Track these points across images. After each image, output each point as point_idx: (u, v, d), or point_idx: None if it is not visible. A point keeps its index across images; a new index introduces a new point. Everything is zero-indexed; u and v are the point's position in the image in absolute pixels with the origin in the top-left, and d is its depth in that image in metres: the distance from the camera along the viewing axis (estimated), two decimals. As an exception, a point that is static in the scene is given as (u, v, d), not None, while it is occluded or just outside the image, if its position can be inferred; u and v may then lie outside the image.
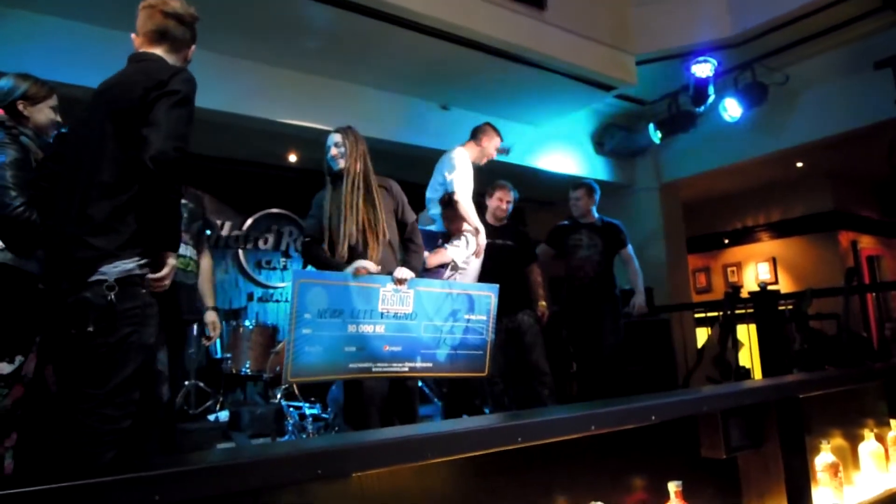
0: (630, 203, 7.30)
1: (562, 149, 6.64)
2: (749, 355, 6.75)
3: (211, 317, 2.99)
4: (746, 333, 6.72)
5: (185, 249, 2.81)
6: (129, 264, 1.86)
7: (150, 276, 1.92)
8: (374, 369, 2.89)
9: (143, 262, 1.90)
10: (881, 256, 9.08)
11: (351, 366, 2.83)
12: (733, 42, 5.45)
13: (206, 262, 3.07)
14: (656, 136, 6.44)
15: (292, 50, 4.60)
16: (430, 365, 3.05)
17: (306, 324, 2.69)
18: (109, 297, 1.81)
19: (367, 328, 2.87)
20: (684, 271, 7.55)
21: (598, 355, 4.63)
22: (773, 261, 9.03)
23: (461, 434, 1.27)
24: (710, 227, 9.55)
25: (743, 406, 1.87)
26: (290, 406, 4.24)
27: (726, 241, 9.59)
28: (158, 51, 2.11)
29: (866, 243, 8.90)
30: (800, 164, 7.57)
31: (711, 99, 5.80)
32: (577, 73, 5.18)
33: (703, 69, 5.54)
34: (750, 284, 9.13)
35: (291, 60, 4.74)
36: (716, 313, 7.33)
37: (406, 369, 2.96)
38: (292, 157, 6.29)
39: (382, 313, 2.91)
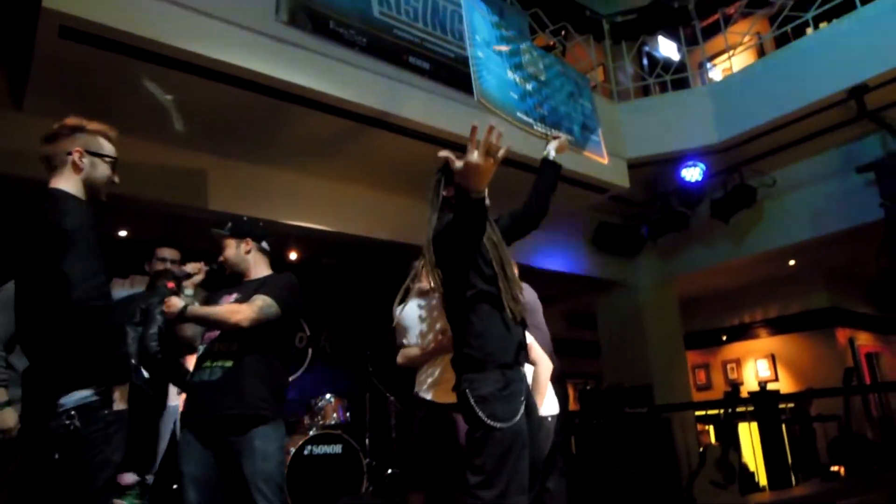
0: (627, 300, 7.36)
1: (559, 247, 6.77)
2: (752, 456, 6.63)
3: None
4: (748, 432, 6.63)
5: (213, 346, 2.68)
6: (84, 392, 1.94)
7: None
8: (536, 126, 2.75)
9: (99, 390, 1.97)
10: (880, 353, 9.05)
11: (518, 114, 2.69)
12: (720, 148, 5.68)
13: None
14: (650, 235, 6.59)
15: (298, 154, 4.79)
16: (573, 139, 2.89)
17: (478, 46, 2.59)
18: (71, 426, 1.89)
19: (519, 79, 2.75)
20: (683, 368, 7.51)
21: None
22: (773, 357, 9.00)
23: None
24: (708, 323, 9.58)
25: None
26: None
27: (724, 338, 9.59)
28: (53, 181, 2.11)
29: (864, 340, 8.90)
30: (792, 262, 7.68)
31: (702, 201, 5.99)
32: (571, 177, 5.36)
33: (692, 173, 5.75)
34: (750, 381, 9.07)
35: (290, 164, 4.92)
36: (717, 411, 7.27)
37: (562, 136, 2.74)
38: (292, 255, 6.40)
39: (527, 71, 2.81)
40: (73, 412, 1.91)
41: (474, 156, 1.83)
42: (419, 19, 4.57)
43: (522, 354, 2.31)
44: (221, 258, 2.85)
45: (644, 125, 5.89)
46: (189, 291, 2.73)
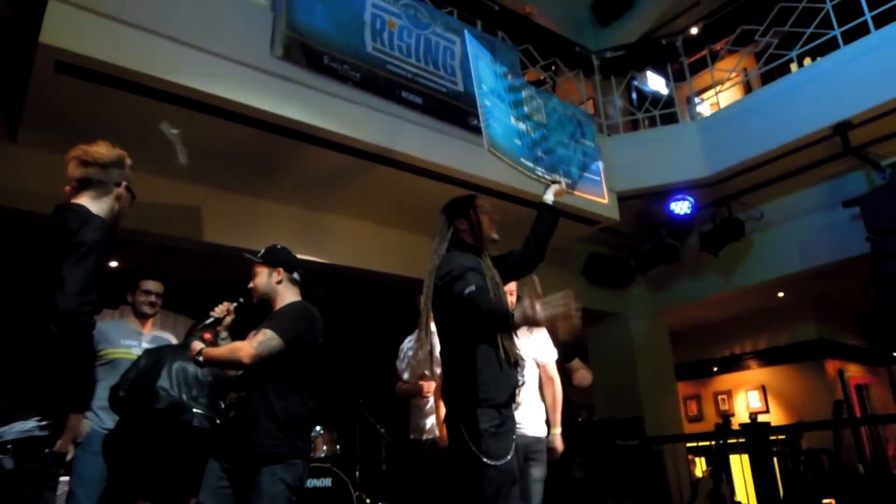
0: (618, 331, 7.37)
1: (549, 278, 6.74)
2: (744, 489, 6.59)
3: None
4: (740, 464, 6.61)
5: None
6: (28, 424, 1.79)
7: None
8: (537, 171, 2.75)
9: (45, 422, 1.82)
10: (869, 385, 9.07)
11: (523, 160, 2.70)
12: (709, 182, 5.77)
13: None
14: (640, 267, 6.63)
15: (291, 186, 4.83)
16: (570, 181, 2.90)
17: (485, 95, 2.62)
18: (4, 460, 1.76)
19: (522, 125, 2.77)
20: (675, 399, 7.51)
21: None
22: (763, 389, 9.00)
23: None
24: (699, 354, 9.57)
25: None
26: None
27: (715, 369, 9.59)
28: (83, 199, 2.10)
29: (853, 372, 8.92)
30: (781, 294, 7.74)
31: (691, 234, 6.05)
32: (562, 209, 5.39)
33: (681, 206, 5.83)
34: (741, 412, 9.05)
35: (282, 195, 4.96)
36: (708, 442, 7.25)
37: (561, 182, 2.74)
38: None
39: (529, 116, 2.83)
40: (9, 445, 1.75)
41: (543, 314, 2.01)
42: (412, 55, 4.65)
43: (515, 395, 2.33)
44: (251, 285, 2.79)
45: (634, 158, 5.96)
46: (224, 335, 2.73)
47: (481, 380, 2.24)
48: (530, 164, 2.77)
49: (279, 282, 2.78)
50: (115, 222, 2.19)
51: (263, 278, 2.78)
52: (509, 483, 2.16)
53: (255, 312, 2.82)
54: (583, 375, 4.20)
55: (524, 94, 2.95)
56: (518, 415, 2.86)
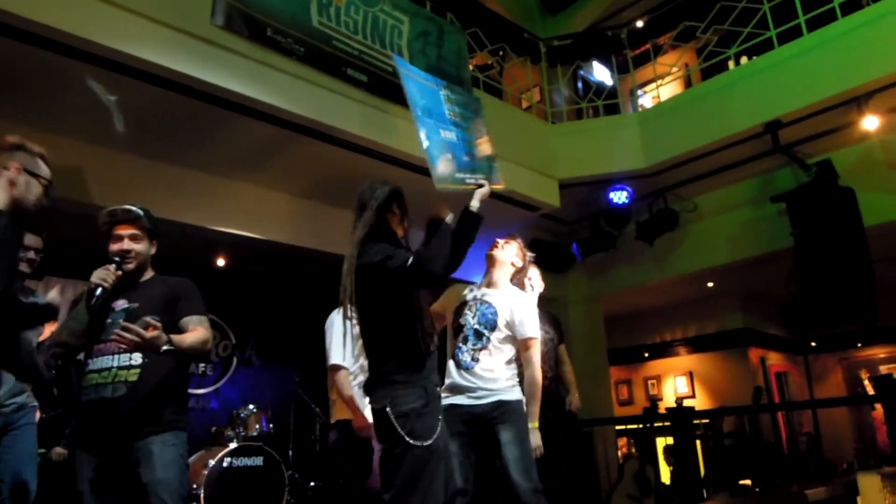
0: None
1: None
2: (669, 470, 6.86)
3: None
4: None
5: (112, 360, 2.41)
6: None
7: None
8: (468, 181, 2.63)
9: None
10: (788, 373, 9.56)
11: (457, 175, 2.60)
12: (646, 173, 5.91)
13: None
14: (579, 253, 6.76)
15: (228, 160, 4.70)
16: (489, 175, 2.78)
17: (420, 119, 2.60)
18: None
19: (448, 134, 2.71)
20: (606, 384, 7.71)
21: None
22: (691, 375, 9.37)
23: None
24: (631, 340, 9.87)
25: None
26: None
27: (646, 355, 9.91)
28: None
29: (774, 360, 9.38)
30: (710, 284, 8.04)
31: (628, 223, 6.21)
32: (505, 194, 5.46)
33: (619, 196, 5.96)
34: (669, 397, 9.40)
35: (221, 169, 4.82)
36: (636, 425, 7.50)
37: (484, 184, 2.63)
38: (220, 262, 6.26)
39: (451, 119, 2.77)
40: None
41: None
42: (359, 32, 4.59)
43: (437, 377, 2.38)
44: (132, 249, 2.53)
45: (576, 147, 6.06)
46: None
47: (404, 362, 2.27)
48: (460, 176, 2.65)
49: (152, 254, 2.64)
50: (19, 208, 2.14)
51: (146, 246, 2.60)
52: (433, 463, 2.19)
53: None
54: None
55: (442, 94, 2.82)
56: (472, 378, 2.92)
